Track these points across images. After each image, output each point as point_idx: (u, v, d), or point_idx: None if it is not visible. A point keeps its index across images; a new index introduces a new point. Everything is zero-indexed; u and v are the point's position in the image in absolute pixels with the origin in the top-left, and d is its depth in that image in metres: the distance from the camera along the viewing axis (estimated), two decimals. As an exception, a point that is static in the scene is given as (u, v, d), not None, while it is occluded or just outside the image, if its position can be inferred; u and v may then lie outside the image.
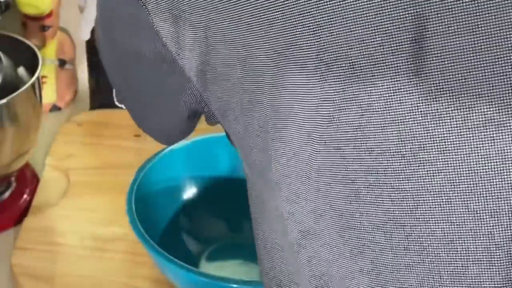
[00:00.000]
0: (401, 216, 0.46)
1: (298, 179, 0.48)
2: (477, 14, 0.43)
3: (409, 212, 0.46)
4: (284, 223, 0.51)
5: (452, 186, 0.44)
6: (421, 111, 0.44)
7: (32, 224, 0.98)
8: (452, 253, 0.45)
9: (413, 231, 0.46)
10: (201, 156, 0.97)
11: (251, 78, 0.49)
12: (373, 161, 0.45)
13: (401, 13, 0.44)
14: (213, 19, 0.49)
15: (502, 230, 0.44)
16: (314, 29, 0.45)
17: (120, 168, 1.07)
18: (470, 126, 0.44)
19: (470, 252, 0.45)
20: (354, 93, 0.45)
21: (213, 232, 0.96)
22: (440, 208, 0.45)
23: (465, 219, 0.45)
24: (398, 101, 0.44)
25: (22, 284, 0.90)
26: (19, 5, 1.17)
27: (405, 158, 0.45)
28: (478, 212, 0.44)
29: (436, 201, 0.45)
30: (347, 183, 0.46)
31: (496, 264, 0.45)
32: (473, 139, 0.44)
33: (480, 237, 0.45)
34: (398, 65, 0.44)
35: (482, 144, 0.44)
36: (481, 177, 0.44)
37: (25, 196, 1.05)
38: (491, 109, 0.43)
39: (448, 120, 0.44)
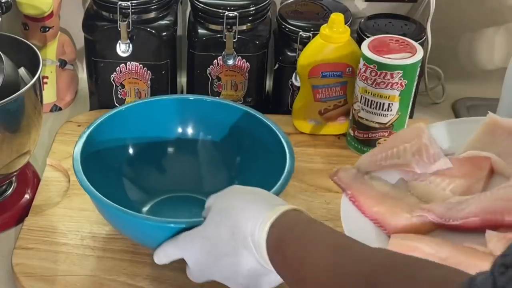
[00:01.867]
0: None
1: None
2: None
3: None
4: None
5: None
6: None
7: (33, 223, 0.98)
8: None
9: None
10: (146, 117, 1.02)
11: None
12: None
13: None
14: None
15: None
16: None
17: (120, 168, 1.08)
18: None
19: None
20: None
21: (155, 186, 1.03)
22: None
23: None
24: None
25: (22, 283, 0.90)
26: (20, 6, 1.17)
27: None
28: None
29: None
30: None
31: None
32: None
33: None
34: None
35: None
36: None
37: (25, 195, 1.05)
38: None
39: None
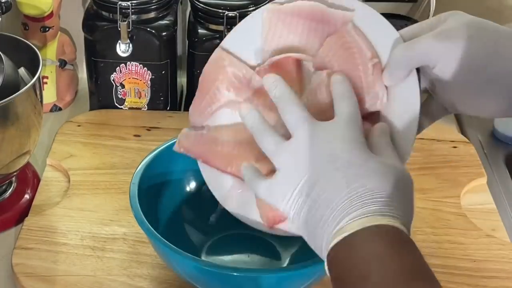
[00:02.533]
0: None
1: None
2: None
3: None
4: None
5: None
6: None
7: (33, 223, 0.98)
8: None
9: None
10: None
11: None
12: None
13: None
14: None
15: None
16: None
17: (120, 168, 1.08)
18: None
19: None
20: None
21: (216, 223, 0.96)
22: None
23: None
24: None
25: (22, 283, 0.90)
26: (20, 6, 1.17)
27: None
28: None
29: None
30: None
31: None
32: None
33: None
34: None
35: None
36: None
37: (25, 196, 1.05)
38: None
39: None
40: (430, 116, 0.76)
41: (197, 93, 0.83)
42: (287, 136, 0.71)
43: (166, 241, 0.79)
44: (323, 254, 0.64)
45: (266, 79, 0.74)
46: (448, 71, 0.69)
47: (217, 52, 0.81)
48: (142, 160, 0.90)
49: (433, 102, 0.76)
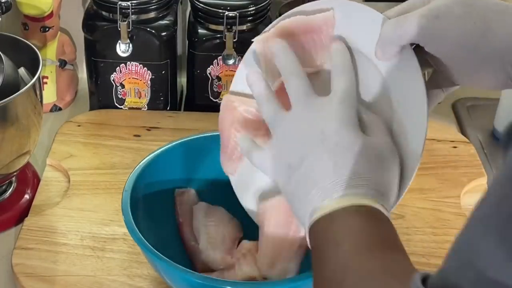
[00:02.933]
0: None
1: None
2: None
3: None
4: None
5: None
6: None
7: (33, 223, 0.98)
8: None
9: None
10: (196, 155, 0.96)
11: None
12: None
13: None
14: None
15: None
16: None
17: (120, 168, 1.08)
18: None
19: None
20: None
21: None
22: None
23: None
24: None
25: (22, 283, 0.90)
26: (20, 6, 1.17)
27: None
28: None
29: None
30: None
31: None
32: None
33: None
34: None
35: None
36: None
37: (25, 196, 1.05)
38: None
39: None
40: (440, 87, 0.76)
41: (221, 142, 0.85)
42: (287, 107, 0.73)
43: (157, 252, 0.79)
44: (305, 225, 0.67)
45: (273, 44, 0.75)
46: (441, 50, 0.69)
47: (225, 98, 0.83)
48: (136, 166, 0.90)
49: (439, 75, 0.74)
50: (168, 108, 1.22)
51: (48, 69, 1.24)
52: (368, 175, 0.66)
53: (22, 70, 0.99)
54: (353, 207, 0.64)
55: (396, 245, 0.64)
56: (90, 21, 1.16)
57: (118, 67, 1.17)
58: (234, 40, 1.15)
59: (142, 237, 0.81)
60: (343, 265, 0.61)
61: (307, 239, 0.67)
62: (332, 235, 0.64)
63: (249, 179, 0.85)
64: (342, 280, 0.60)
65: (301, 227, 0.74)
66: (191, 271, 0.79)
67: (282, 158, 0.70)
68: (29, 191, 1.06)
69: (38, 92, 0.97)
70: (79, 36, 1.21)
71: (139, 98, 1.20)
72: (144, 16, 1.14)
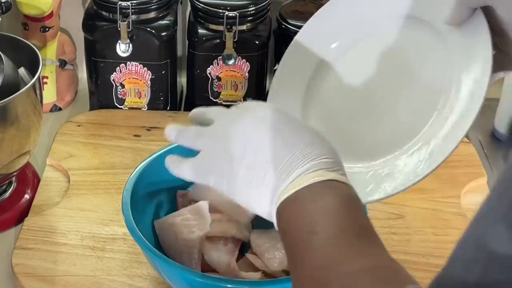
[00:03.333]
0: None
1: None
2: None
3: None
4: None
5: None
6: None
7: (33, 223, 0.98)
8: None
9: None
10: (197, 155, 0.96)
11: None
12: None
13: None
14: None
15: None
16: None
17: (120, 168, 1.08)
18: None
19: None
20: None
21: None
22: None
23: None
24: None
25: (22, 283, 0.90)
26: (20, 6, 1.17)
27: None
28: None
29: None
30: None
31: None
32: None
33: None
34: None
35: None
36: None
37: (25, 196, 1.05)
38: None
39: None
40: (503, 69, 0.74)
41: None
42: None
43: (157, 251, 0.80)
44: (272, 212, 0.65)
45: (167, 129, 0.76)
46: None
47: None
48: (137, 166, 0.90)
49: (504, 58, 0.73)
50: (168, 108, 1.22)
51: (48, 69, 1.24)
52: (317, 145, 0.64)
53: (22, 70, 0.99)
54: (321, 181, 0.62)
55: (370, 233, 0.62)
56: (90, 21, 1.16)
57: (118, 67, 1.17)
58: (234, 40, 1.15)
59: (142, 236, 0.81)
60: (324, 265, 0.59)
61: (274, 222, 0.65)
62: (305, 218, 0.62)
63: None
64: (325, 284, 0.58)
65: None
66: (191, 270, 0.79)
67: (218, 159, 0.68)
68: (29, 191, 1.06)
69: (38, 92, 0.97)
70: (79, 36, 1.21)
71: (139, 98, 1.20)
72: (144, 16, 1.14)
